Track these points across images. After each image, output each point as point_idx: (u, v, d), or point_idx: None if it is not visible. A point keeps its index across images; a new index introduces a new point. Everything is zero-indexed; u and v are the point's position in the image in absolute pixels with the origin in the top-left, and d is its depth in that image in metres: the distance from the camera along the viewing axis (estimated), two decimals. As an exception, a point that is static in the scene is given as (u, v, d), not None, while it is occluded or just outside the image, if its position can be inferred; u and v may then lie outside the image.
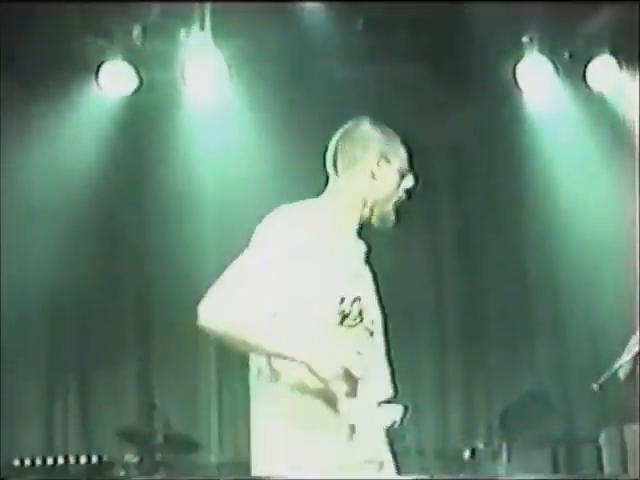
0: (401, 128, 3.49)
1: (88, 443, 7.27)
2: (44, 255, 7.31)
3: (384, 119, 3.47)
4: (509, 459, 6.41)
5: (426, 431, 7.01)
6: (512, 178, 7.44)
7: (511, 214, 7.48)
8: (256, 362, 3.23)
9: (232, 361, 7.10)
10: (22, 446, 7.16)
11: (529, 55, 6.98)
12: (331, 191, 3.36)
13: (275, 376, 3.15)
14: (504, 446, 6.48)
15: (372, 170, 3.30)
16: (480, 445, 6.71)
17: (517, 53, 7.01)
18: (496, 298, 7.44)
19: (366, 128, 3.36)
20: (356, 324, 3.18)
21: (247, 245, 3.29)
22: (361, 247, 3.32)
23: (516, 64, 7.06)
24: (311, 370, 3.03)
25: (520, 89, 7.20)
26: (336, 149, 3.36)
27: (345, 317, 3.16)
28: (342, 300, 3.15)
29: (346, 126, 3.39)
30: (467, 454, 6.64)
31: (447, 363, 7.42)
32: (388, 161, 3.32)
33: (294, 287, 3.10)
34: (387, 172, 3.32)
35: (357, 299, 3.18)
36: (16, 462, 6.60)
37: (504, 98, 7.32)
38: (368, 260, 3.33)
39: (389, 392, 3.25)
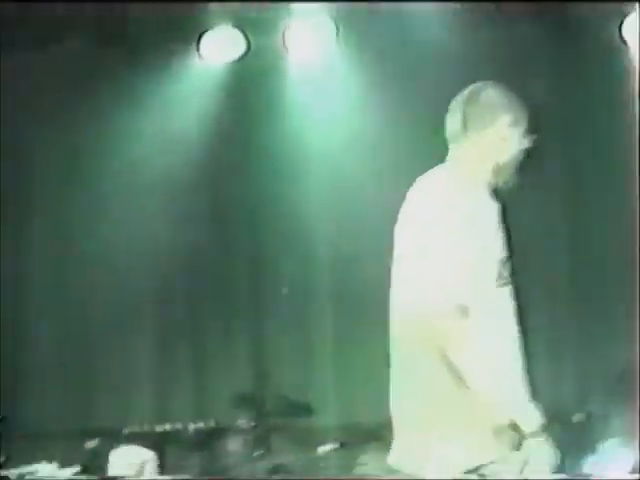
0: (513, 88, 3.49)
1: (202, 409, 7.34)
2: (155, 224, 7.41)
3: (496, 80, 3.48)
4: (621, 422, 6.33)
5: (538, 393, 6.93)
6: (619, 134, 7.29)
7: (618, 170, 7.33)
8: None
9: (346, 325, 7.20)
10: (136, 413, 7.28)
11: (636, 10, 6.83)
12: (460, 155, 3.39)
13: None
14: (616, 409, 6.39)
15: (503, 133, 3.34)
16: (592, 408, 6.64)
17: (624, 8, 6.87)
18: (609, 256, 7.31)
19: (493, 92, 3.41)
20: (507, 283, 3.21)
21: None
22: (496, 206, 3.33)
23: (623, 20, 6.92)
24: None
25: (627, 46, 7.05)
26: (464, 114, 3.36)
27: (501, 277, 3.19)
28: (500, 261, 3.18)
29: (470, 91, 3.43)
30: (580, 417, 6.57)
31: (559, 325, 7.32)
32: (516, 124, 3.36)
33: (460, 260, 3.11)
34: (515, 134, 3.37)
35: (508, 258, 3.21)
36: (129, 429, 6.70)
37: (610, 55, 7.17)
38: (503, 218, 3.34)
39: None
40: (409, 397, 3.23)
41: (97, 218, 7.48)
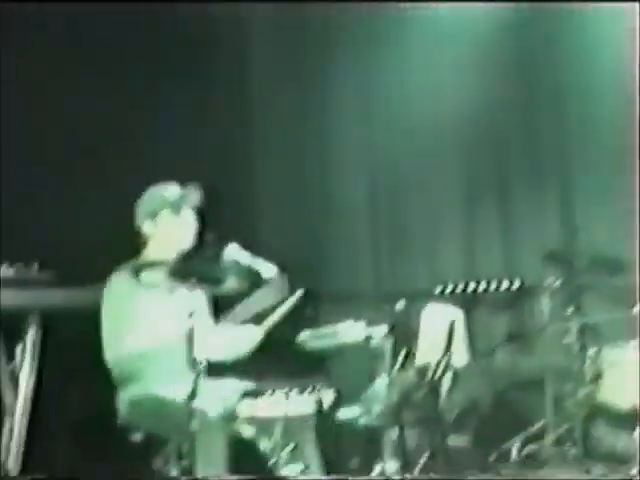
0: None
1: (510, 267, 7.21)
2: (460, 83, 7.33)
3: None
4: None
5: None
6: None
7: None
8: None
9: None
10: (444, 273, 7.27)
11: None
12: None
13: None
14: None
15: None
16: None
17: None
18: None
19: None
20: None
21: None
22: None
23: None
24: None
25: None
26: None
27: None
28: None
29: None
30: None
31: None
32: None
33: None
34: None
35: None
36: (438, 289, 6.68)
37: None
38: None
39: None
40: None
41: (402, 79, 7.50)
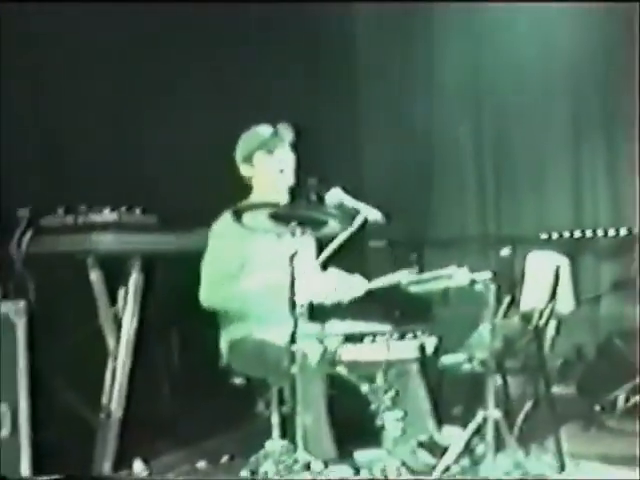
0: None
1: (617, 215, 7.05)
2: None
3: None
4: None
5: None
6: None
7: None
8: None
9: None
10: (549, 216, 7.16)
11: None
12: None
13: None
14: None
15: None
16: None
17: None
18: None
19: None
20: None
21: None
22: None
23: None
24: None
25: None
26: None
27: None
28: None
29: None
30: None
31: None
32: None
33: None
34: None
35: None
36: (545, 235, 6.59)
37: None
38: None
39: None
40: None
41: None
